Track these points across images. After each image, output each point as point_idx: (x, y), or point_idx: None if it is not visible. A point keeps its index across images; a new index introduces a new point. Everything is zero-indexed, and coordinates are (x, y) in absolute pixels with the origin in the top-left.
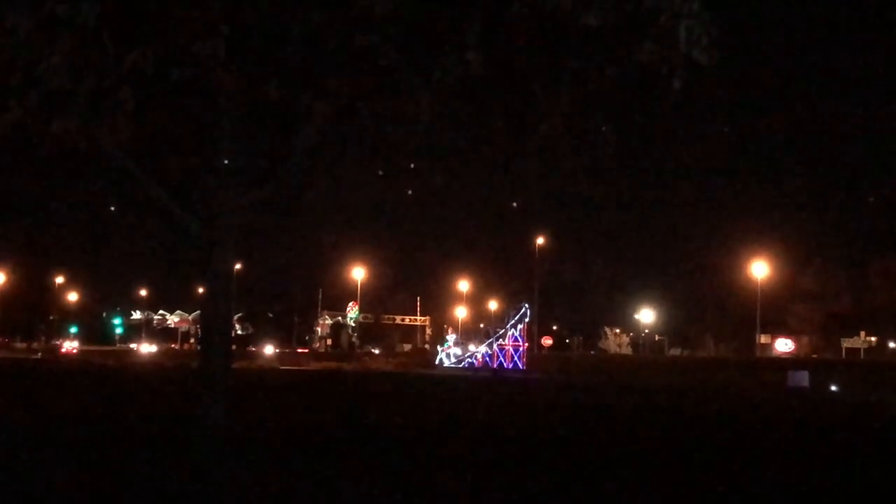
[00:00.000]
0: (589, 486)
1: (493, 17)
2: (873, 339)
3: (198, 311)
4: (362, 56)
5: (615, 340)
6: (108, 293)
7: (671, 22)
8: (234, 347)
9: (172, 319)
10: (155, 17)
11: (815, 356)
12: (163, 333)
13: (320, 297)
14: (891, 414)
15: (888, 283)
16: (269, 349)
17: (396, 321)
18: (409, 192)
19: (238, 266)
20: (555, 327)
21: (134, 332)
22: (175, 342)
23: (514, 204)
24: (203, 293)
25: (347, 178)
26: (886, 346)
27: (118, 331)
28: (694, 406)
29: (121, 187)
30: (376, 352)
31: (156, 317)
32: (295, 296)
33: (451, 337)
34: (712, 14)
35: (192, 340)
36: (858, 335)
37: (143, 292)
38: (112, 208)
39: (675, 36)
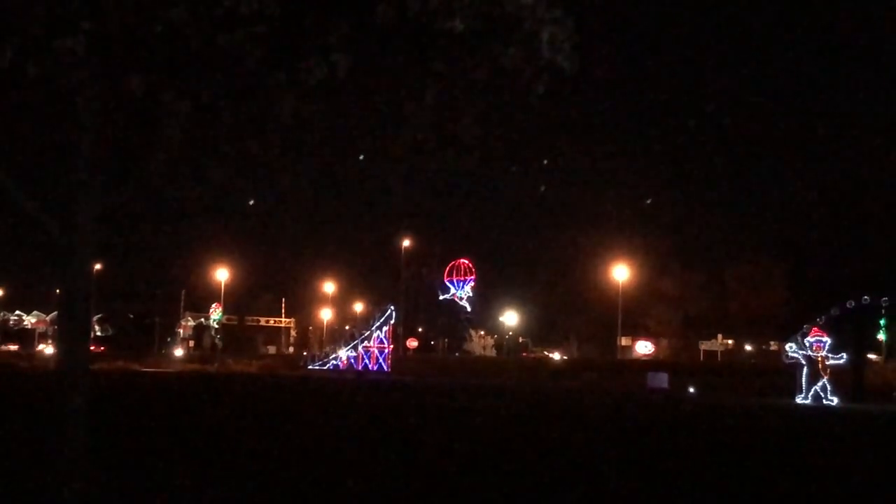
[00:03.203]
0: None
1: (359, 18)
2: (730, 341)
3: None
4: (226, 55)
5: (480, 342)
6: None
7: (534, 27)
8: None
9: (29, 320)
10: (12, 11)
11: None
12: (19, 334)
13: (183, 297)
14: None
15: (744, 288)
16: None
17: (261, 323)
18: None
19: (98, 266)
20: (420, 329)
21: None
22: None
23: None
24: (61, 294)
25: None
26: (742, 349)
27: None
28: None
29: None
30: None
31: (12, 317)
32: (156, 296)
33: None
34: (575, 21)
35: (49, 341)
36: (716, 338)
37: None
38: None
39: (537, 42)
